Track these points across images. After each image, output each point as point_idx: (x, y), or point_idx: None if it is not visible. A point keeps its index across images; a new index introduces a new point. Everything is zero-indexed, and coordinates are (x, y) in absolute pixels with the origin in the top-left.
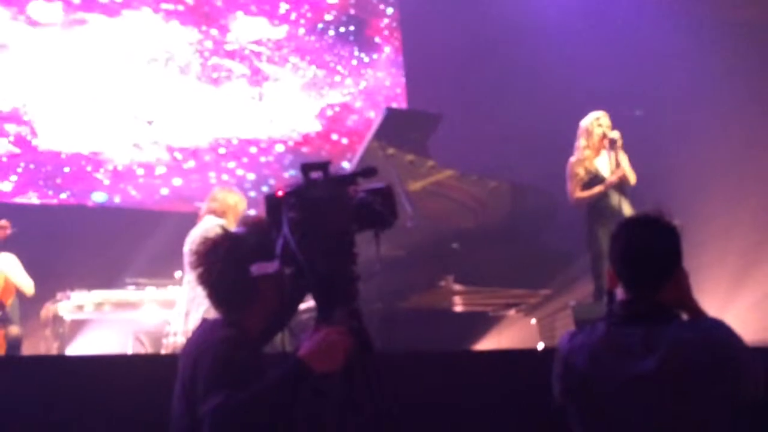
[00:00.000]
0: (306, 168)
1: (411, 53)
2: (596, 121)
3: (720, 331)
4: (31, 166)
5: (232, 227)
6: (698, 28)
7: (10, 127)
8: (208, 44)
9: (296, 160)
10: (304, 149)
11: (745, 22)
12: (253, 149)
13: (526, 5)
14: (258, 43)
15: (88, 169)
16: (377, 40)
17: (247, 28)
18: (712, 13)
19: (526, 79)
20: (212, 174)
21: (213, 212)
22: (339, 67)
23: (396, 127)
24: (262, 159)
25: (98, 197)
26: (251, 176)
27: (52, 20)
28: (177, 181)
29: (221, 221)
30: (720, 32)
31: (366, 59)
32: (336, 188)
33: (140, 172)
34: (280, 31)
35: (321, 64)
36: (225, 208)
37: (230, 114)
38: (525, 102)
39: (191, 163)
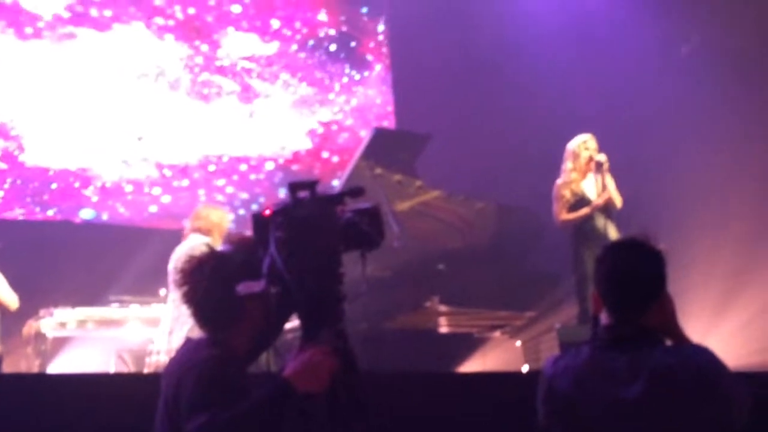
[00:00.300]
0: (293, 187)
1: (400, 71)
2: (583, 144)
3: (704, 357)
4: (18, 182)
5: (218, 244)
6: (692, 53)
7: None
8: (199, 60)
9: (287, 177)
10: (295, 167)
11: (732, 50)
12: (243, 167)
13: (515, 26)
14: (249, 59)
15: (76, 185)
16: (368, 57)
17: (238, 44)
18: (701, 39)
19: (514, 100)
20: (202, 191)
21: (198, 230)
22: (331, 84)
23: (384, 147)
24: (252, 177)
25: (86, 214)
26: (242, 194)
27: (41, 34)
28: (166, 198)
29: (207, 239)
30: (707, 59)
31: (357, 77)
32: (323, 208)
33: (129, 188)
34: (271, 48)
35: (312, 82)
36: (210, 226)
37: (220, 131)
38: (513, 123)
39: (180, 180)
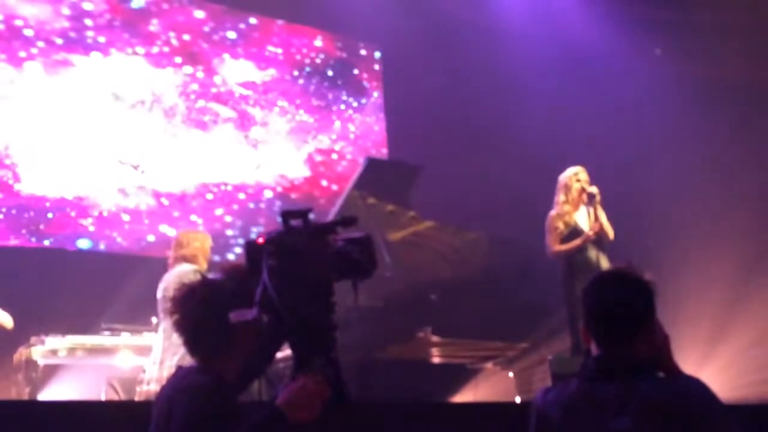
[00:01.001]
0: (286, 215)
1: (395, 99)
2: (574, 177)
3: (695, 388)
4: (13, 211)
5: (205, 269)
6: (678, 84)
7: None
8: (194, 87)
9: (285, 206)
10: (293, 195)
11: (724, 79)
12: (241, 195)
13: (507, 58)
14: (245, 86)
15: (73, 214)
16: (365, 84)
17: (234, 71)
18: (693, 69)
19: (507, 131)
20: (200, 221)
21: (183, 258)
22: (328, 112)
23: (377, 177)
24: (251, 205)
25: (83, 244)
26: (239, 223)
27: (35, 60)
28: (164, 228)
29: (194, 267)
30: (699, 88)
31: (354, 104)
32: (315, 236)
33: (126, 218)
34: (268, 75)
35: (309, 109)
36: (194, 252)
37: (217, 158)
38: (505, 154)
39: (178, 209)
